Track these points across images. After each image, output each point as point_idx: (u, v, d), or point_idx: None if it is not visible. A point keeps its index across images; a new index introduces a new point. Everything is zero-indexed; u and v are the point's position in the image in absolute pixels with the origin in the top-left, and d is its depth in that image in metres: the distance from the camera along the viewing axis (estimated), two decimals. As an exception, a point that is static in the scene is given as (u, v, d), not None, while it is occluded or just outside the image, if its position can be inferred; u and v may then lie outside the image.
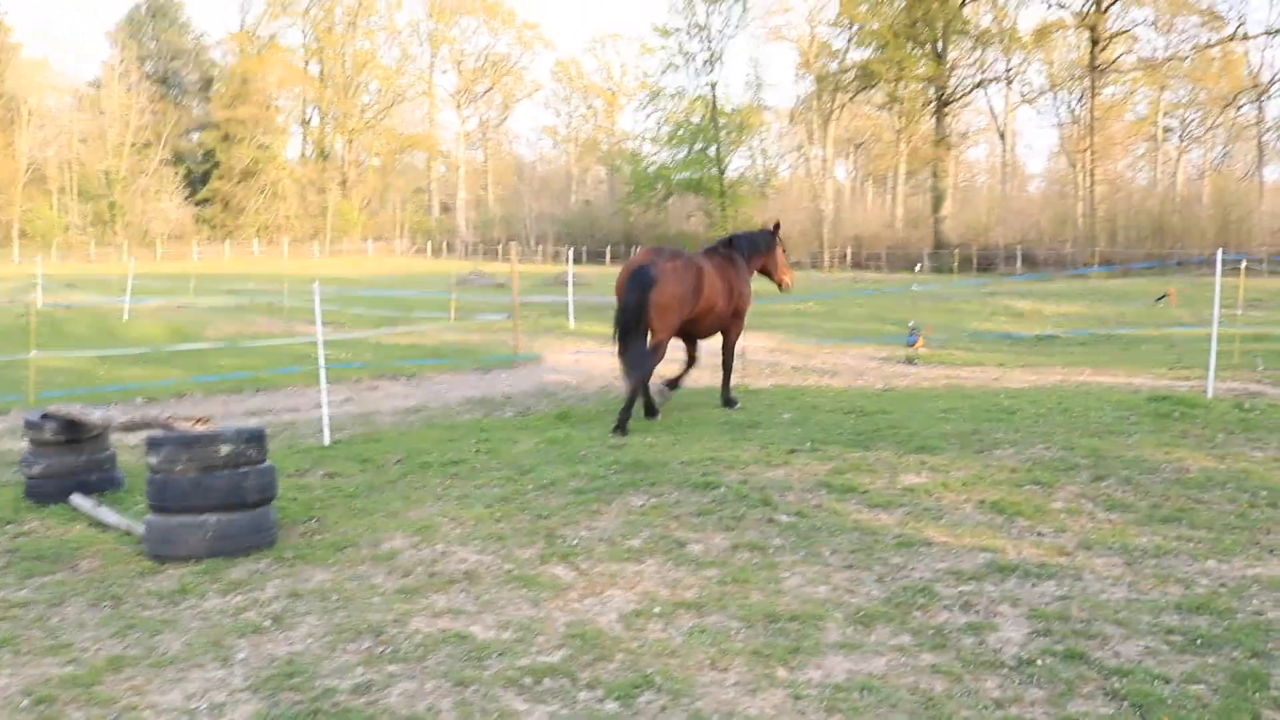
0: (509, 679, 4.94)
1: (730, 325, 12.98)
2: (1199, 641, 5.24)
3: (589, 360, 18.70)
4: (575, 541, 7.02)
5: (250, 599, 6.13)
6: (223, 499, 6.86)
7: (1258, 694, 4.68)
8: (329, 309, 28.00)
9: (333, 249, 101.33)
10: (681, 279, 11.71)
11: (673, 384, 13.00)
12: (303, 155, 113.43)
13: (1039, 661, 5.02)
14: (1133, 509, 7.57)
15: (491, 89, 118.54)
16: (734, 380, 13.40)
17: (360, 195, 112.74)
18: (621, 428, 11.17)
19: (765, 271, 13.90)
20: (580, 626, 5.56)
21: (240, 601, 6.09)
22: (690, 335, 12.79)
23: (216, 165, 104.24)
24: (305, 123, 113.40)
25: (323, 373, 11.60)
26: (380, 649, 5.35)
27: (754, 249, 13.55)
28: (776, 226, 14.21)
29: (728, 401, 13.05)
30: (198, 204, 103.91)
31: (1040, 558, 6.53)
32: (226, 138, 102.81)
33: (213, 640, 5.50)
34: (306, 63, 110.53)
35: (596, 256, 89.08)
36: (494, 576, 6.39)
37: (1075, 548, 6.74)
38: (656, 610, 5.78)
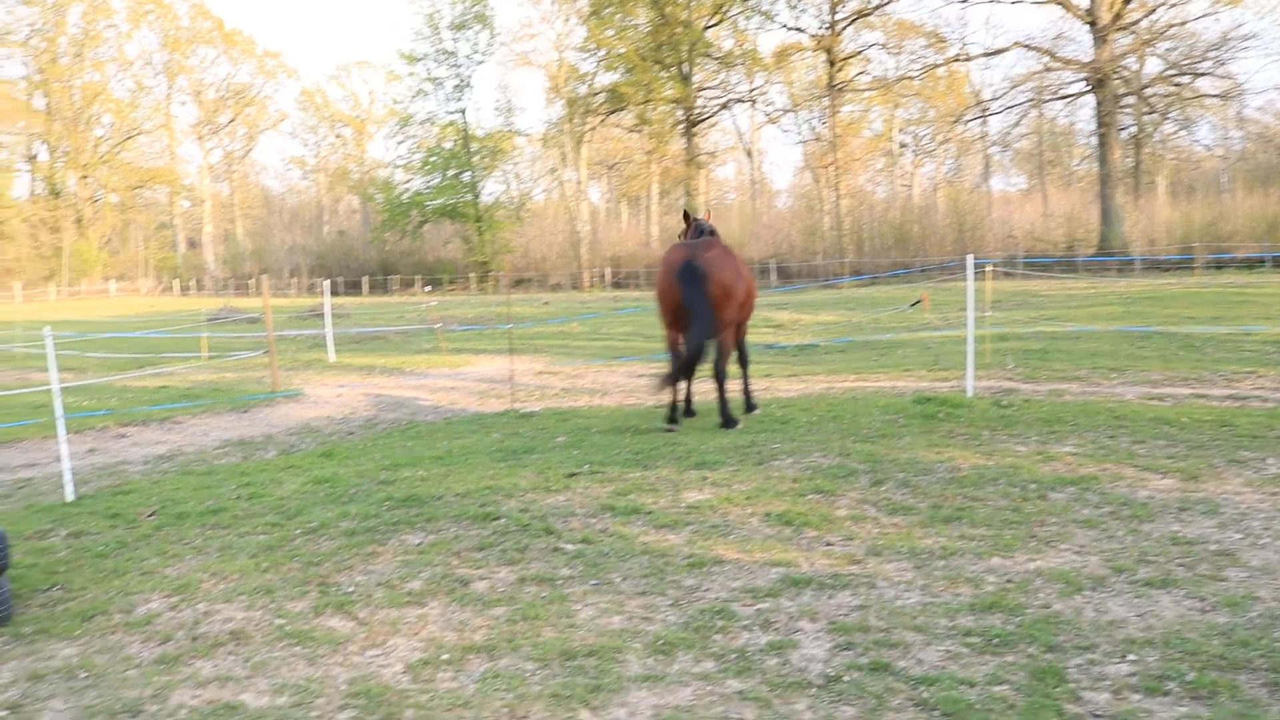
0: (285, 749, 4.46)
1: (743, 319, 12.50)
2: (996, 641, 5.21)
3: (352, 393, 18.02)
4: (351, 588, 6.53)
5: (-21, 684, 5.41)
6: (-57, 572, 6.08)
7: (1058, 689, 4.67)
8: (68, 354, 26.25)
9: (71, 291, 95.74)
10: (729, 263, 11.46)
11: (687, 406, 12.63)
12: (32, 193, 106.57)
13: (846, 678, 4.88)
14: (914, 511, 7.60)
15: (234, 120, 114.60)
16: (502, 405, 13.07)
17: (99, 233, 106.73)
18: (729, 422, 11.45)
19: None
20: (364, 683, 5.10)
21: (-33, 688, 5.37)
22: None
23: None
24: (33, 159, 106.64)
25: (61, 422, 10.63)
26: (136, 729, 4.77)
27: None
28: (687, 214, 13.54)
29: (750, 406, 12.67)
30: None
31: (833, 568, 6.44)
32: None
33: (-66, 737, 4.81)
34: (30, 95, 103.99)
35: (353, 287, 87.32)
36: (264, 635, 5.84)
37: (865, 555, 6.69)
38: (445, 657, 5.38)
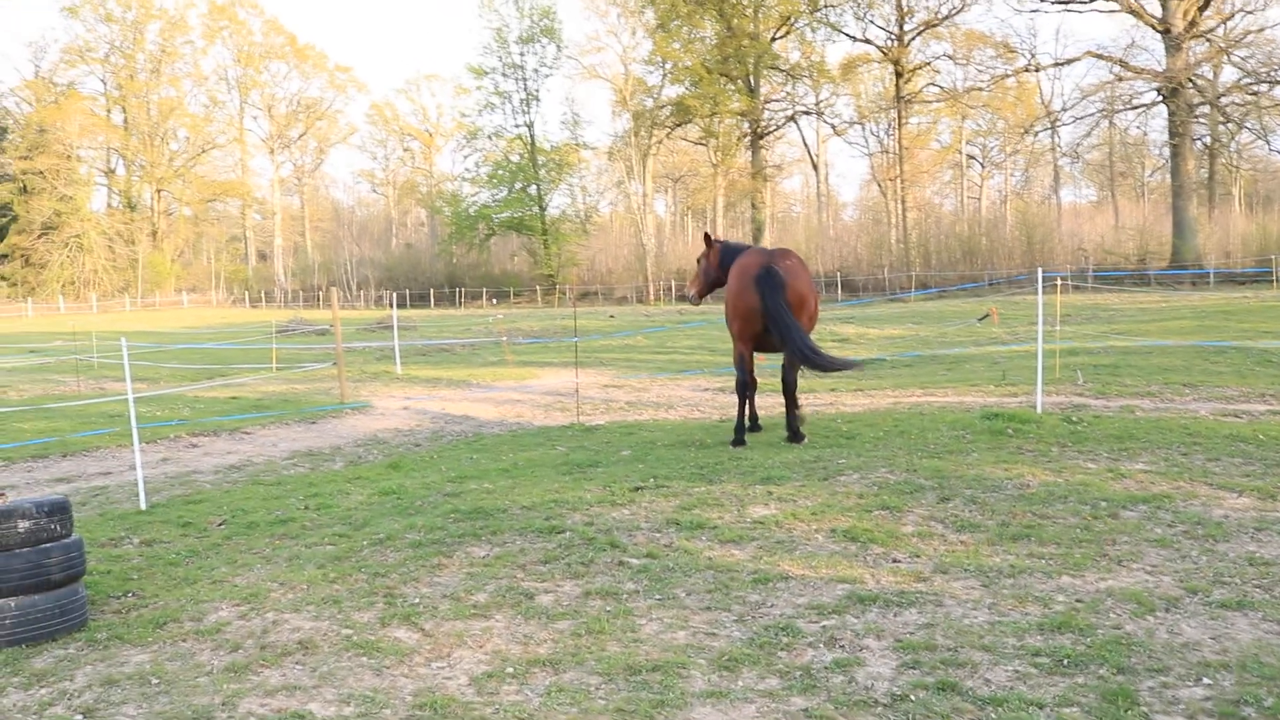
0: (353, 760, 4.50)
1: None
2: (1065, 661, 5.14)
3: (419, 405, 18.19)
4: (417, 600, 6.59)
5: (58, 691, 5.51)
6: (23, 580, 6.21)
7: (1129, 712, 4.58)
8: (142, 365, 26.75)
9: (145, 302, 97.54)
10: (805, 273, 11.51)
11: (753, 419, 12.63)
12: (109, 206, 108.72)
13: (912, 697, 4.83)
14: (982, 528, 7.53)
15: (305, 134, 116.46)
16: (567, 418, 13.10)
17: (172, 246, 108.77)
18: (797, 435, 11.56)
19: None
20: (429, 694, 5.14)
21: (46, 695, 5.47)
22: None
23: (15, 219, 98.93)
24: (110, 172, 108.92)
25: (135, 431, 10.85)
26: (207, 737, 4.84)
27: None
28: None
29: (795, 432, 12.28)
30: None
31: (899, 585, 6.39)
32: (24, 190, 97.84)
33: (13, 742, 4.91)
34: (109, 111, 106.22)
35: (420, 300, 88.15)
36: (331, 645, 5.91)
37: (932, 572, 6.63)
38: (509, 670, 5.41)
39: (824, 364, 10.86)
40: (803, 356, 10.80)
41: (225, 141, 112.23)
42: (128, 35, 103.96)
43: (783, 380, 11.66)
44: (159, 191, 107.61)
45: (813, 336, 12.32)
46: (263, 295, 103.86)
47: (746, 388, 11.72)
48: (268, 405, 18.50)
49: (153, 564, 7.98)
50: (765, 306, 10.91)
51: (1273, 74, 60.66)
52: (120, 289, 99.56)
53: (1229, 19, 61.53)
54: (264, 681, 5.45)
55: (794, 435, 11.50)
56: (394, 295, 41.81)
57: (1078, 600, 6.01)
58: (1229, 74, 65.84)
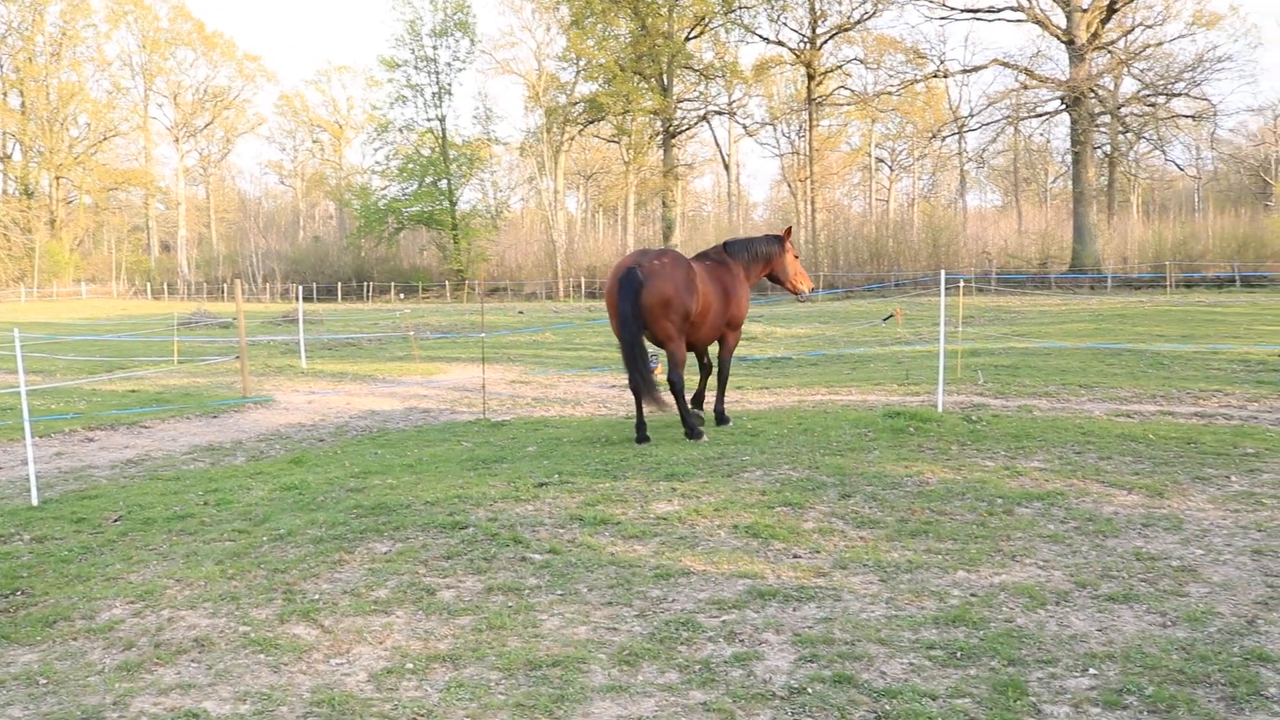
0: (245, 756, 4.43)
1: (727, 334, 12.29)
2: (959, 654, 5.24)
3: (323, 400, 17.97)
4: (316, 596, 6.50)
5: (-62, 688, 5.35)
6: (-97, 574, 6.03)
7: (1019, 702, 4.68)
8: (37, 357, 26.06)
9: (42, 293, 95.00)
10: (672, 275, 11.13)
11: (694, 402, 12.47)
12: (4, 193, 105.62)
13: (809, 689, 4.89)
14: (881, 525, 7.63)
15: (212, 123, 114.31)
16: (473, 413, 13.01)
17: (71, 235, 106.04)
18: (694, 432, 11.42)
19: (775, 279, 12.96)
20: (327, 691, 5.07)
21: (-75, 692, 5.32)
22: (690, 345, 11.91)
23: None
24: (6, 158, 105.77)
25: (27, 425, 10.56)
26: (96, 735, 4.73)
27: (753, 256, 12.59)
28: (788, 232, 13.12)
29: (722, 418, 12.46)
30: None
31: (799, 580, 6.46)
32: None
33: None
34: (5, 94, 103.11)
35: (327, 293, 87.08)
36: (228, 642, 5.81)
37: (831, 568, 6.71)
38: (409, 666, 5.36)
39: (636, 380, 11.08)
40: (629, 360, 11.00)
41: (128, 129, 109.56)
42: (26, 16, 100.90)
43: (667, 378, 11.65)
44: (58, 179, 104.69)
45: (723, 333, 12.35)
46: (165, 287, 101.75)
47: (677, 386, 11.63)
48: (168, 399, 18.12)
49: (43, 561, 7.77)
50: (620, 313, 11.02)
51: (1169, 87, 62.38)
52: (15, 278, 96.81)
53: (1130, 32, 63.21)
54: (157, 680, 5.34)
55: (690, 432, 11.45)
56: (300, 288, 41.18)
57: (972, 595, 6.12)
58: (1129, 85, 67.66)
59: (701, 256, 12.38)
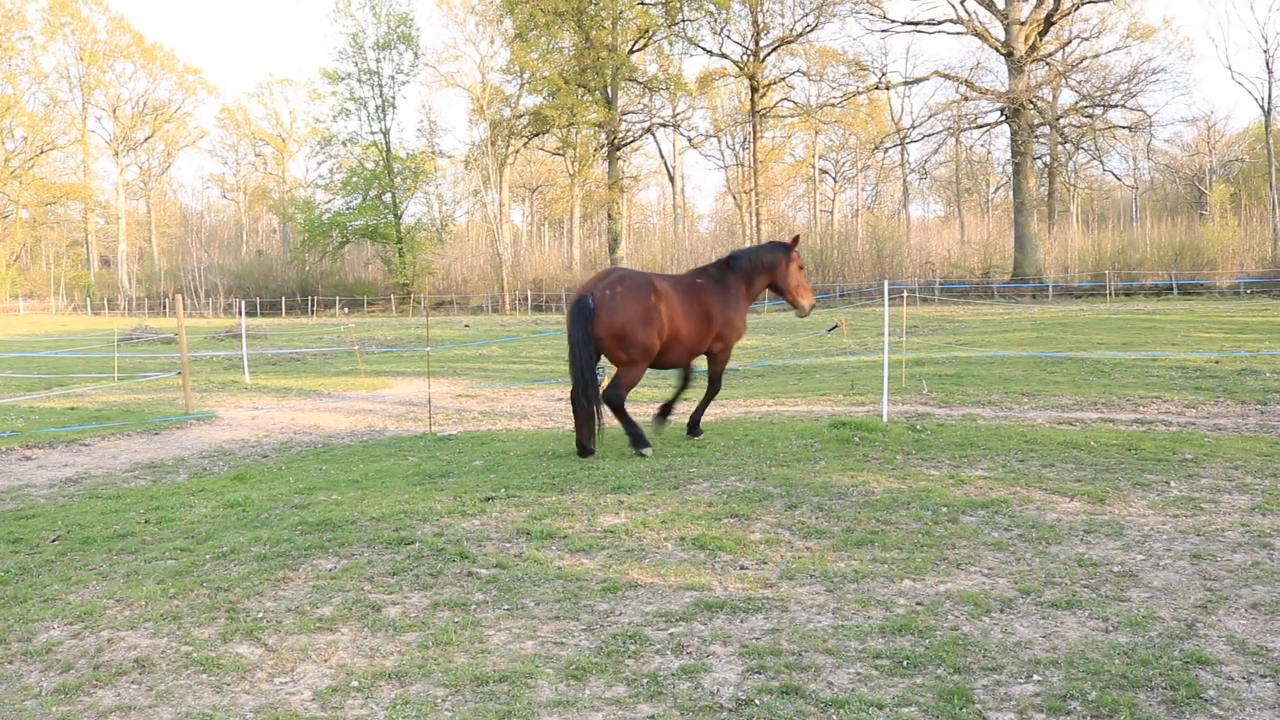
0: (186, 780, 4.35)
1: (716, 352, 11.99)
2: (905, 663, 5.26)
3: (267, 416, 17.78)
4: (260, 614, 6.41)
5: None
6: None
7: (964, 709, 4.71)
8: (-29, 375, 25.57)
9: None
10: (625, 305, 10.86)
11: (664, 410, 12.32)
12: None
13: (756, 701, 4.88)
14: (828, 535, 7.66)
15: (152, 136, 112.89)
16: (419, 428, 12.91)
17: (7, 250, 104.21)
18: (639, 442, 11.25)
19: (775, 290, 12.40)
20: (271, 711, 5.00)
21: None
22: (659, 365, 11.66)
23: None
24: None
25: (-40, 445, 10.37)
26: (31, 760, 4.63)
27: (755, 267, 12.11)
28: (795, 240, 12.64)
29: (694, 428, 12.26)
30: None
31: (746, 592, 6.46)
32: None
33: None
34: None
35: (271, 308, 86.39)
36: (170, 662, 5.71)
37: (778, 578, 6.72)
38: (354, 684, 5.30)
39: (586, 403, 10.99)
40: (581, 387, 10.89)
41: (66, 143, 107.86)
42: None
43: (604, 394, 11.47)
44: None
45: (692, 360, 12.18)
46: (105, 303, 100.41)
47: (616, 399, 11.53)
48: (108, 416, 17.85)
49: (-23, 583, 7.62)
50: (570, 339, 10.90)
51: (1106, 98, 63.41)
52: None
53: (1067, 44, 64.25)
54: (97, 702, 5.24)
55: (636, 441, 11.35)
56: (244, 303, 40.83)
57: (918, 603, 6.16)
58: (1067, 97, 68.76)
59: (700, 273, 12.11)
